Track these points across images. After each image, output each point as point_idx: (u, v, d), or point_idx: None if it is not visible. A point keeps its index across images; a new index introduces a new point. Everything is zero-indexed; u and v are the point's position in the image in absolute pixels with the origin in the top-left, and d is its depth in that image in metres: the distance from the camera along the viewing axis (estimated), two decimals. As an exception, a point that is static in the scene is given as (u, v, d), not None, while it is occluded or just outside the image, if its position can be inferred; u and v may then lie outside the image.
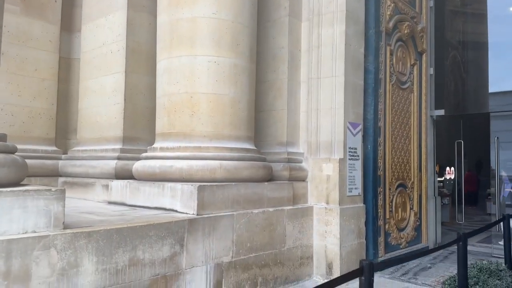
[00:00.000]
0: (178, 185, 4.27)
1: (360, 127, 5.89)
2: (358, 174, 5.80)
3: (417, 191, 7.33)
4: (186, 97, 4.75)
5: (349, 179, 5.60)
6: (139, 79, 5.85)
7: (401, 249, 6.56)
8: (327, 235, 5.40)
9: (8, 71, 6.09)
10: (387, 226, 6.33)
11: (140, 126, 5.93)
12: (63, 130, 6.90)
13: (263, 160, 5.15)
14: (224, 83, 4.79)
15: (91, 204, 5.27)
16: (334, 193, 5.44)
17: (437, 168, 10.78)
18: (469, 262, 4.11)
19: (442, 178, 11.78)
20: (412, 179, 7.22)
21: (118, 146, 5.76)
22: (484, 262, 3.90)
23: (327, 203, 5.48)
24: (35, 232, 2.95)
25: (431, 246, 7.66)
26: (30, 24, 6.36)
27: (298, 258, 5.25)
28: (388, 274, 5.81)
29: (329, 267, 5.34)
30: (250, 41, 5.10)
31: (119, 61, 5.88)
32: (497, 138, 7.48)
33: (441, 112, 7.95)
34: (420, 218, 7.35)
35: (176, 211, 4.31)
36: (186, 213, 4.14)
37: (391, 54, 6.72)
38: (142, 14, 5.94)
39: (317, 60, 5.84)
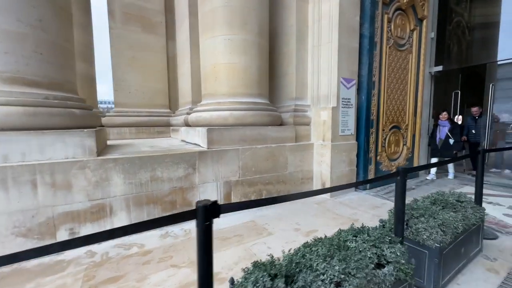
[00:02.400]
0: (200, 129, 3.39)
1: (354, 81, 4.17)
2: (351, 119, 4.17)
3: (411, 132, 5.25)
4: (211, 68, 3.72)
5: (342, 122, 4.06)
6: (197, 64, 4.87)
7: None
8: (322, 163, 4.07)
9: (139, 66, 5.89)
10: (378, 157, 4.63)
11: (200, 93, 5.15)
12: (175, 100, 6.64)
13: (271, 110, 3.90)
14: (236, 54, 3.60)
15: (171, 141, 4.71)
16: (328, 133, 4.00)
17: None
18: (435, 191, 2.55)
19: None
20: (407, 122, 5.14)
21: (189, 106, 5.17)
22: (445, 192, 2.28)
23: (323, 140, 4.08)
24: (74, 158, 2.52)
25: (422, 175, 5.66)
26: (147, 38, 5.97)
27: (299, 179, 4.08)
28: (374, 192, 4.27)
29: (323, 185, 4.09)
30: (258, 21, 3.72)
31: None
32: (492, 85, 4.84)
33: (439, 68, 5.44)
34: (412, 152, 5.35)
35: (199, 145, 3.52)
36: (202, 147, 3.31)
37: (389, 21, 4.53)
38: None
39: (318, 31, 4.16)
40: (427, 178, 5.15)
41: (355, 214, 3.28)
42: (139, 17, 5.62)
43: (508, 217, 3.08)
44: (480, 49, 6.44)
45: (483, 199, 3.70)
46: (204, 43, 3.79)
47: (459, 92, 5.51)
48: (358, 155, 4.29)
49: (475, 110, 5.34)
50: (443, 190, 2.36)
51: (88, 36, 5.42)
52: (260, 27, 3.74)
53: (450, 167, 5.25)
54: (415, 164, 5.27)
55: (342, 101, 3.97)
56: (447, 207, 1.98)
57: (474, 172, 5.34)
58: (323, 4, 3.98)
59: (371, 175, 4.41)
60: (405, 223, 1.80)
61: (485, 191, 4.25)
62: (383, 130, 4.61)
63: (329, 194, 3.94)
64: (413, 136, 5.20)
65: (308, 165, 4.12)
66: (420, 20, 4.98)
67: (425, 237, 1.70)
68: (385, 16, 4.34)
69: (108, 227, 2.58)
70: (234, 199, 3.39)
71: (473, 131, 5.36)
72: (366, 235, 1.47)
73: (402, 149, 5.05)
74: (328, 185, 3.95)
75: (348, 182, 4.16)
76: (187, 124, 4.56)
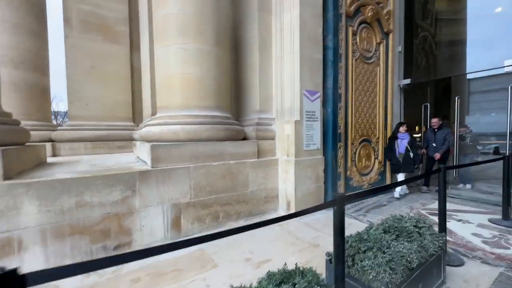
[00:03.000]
0: (147, 145, 3.09)
1: (319, 94, 4.01)
2: (316, 133, 3.97)
3: (382, 145, 5.16)
4: (165, 78, 3.43)
5: (306, 136, 3.85)
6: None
7: (364, 189, 4.67)
8: (287, 180, 3.80)
9: (99, 77, 5.52)
10: (348, 172, 4.43)
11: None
12: (140, 112, 6.24)
13: (230, 124, 3.65)
14: (191, 64, 3.34)
15: (127, 158, 4.27)
16: (292, 148, 3.78)
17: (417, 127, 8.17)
18: (397, 213, 2.32)
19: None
20: (377, 135, 5.04)
21: (148, 119, 4.82)
22: (403, 217, 2.04)
23: (287, 155, 3.86)
24: (-29, 182, 2.11)
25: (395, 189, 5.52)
26: (109, 47, 5.65)
27: (263, 198, 3.78)
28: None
29: (288, 204, 3.81)
30: (215, 30, 3.49)
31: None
32: (458, 98, 4.83)
33: (408, 80, 5.45)
34: (384, 165, 5.21)
35: (146, 162, 3.22)
36: (147, 165, 2.98)
37: (354, 34, 4.49)
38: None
39: (281, 42, 4.00)
40: (395, 196, 4.67)
41: (318, 237, 2.99)
42: (100, 25, 5.31)
43: (477, 237, 2.89)
44: (447, 63, 6.59)
45: (453, 216, 3.51)
46: (157, 52, 3.53)
47: (429, 105, 5.51)
48: (325, 171, 4.06)
49: (434, 121, 4.91)
50: (413, 205, 2.13)
51: (41, 44, 5.04)
52: (218, 36, 3.53)
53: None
54: (388, 179, 5.12)
55: (306, 114, 3.78)
56: (402, 235, 1.73)
57: (425, 188, 5.10)
58: (285, 15, 3.85)
59: (340, 191, 4.18)
60: (350, 258, 1.53)
61: (455, 206, 4.16)
62: (353, 143, 4.44)
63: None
64: (385, 149, 5.07)
65: (272, 183, 3.84)
66: (386, 34, 4.98)
67: (371, 277, 1.42)
68: (350, 29, 4.27)
69: (15, 266, 2.14)
70: (185, 223, 3.02)
71: (434, 144, 4.88)
72: (291, 284, 1.17)
73: (374, 163, 4.89)
74: (292, 204, 3.67)
75: (315, 200, 3.89)
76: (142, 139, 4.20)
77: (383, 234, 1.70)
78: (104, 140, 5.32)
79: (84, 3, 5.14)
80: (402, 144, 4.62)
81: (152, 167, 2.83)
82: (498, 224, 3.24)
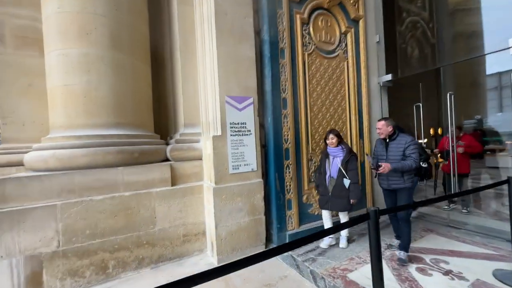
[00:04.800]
0: None
1: (250, 100, 3.12)
2: (250, 150, 3.05)
3: (358, 159, 4.14)
4: (50, 93, 2.82)
5: (233, 156, 2.94)
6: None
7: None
8: (209, 213, 2.99)
9: (39, 95, 5.13)
10: (305, 198, 3.46)
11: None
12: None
13: (139, 144, 2.99)
14: (74, 73, 2.68)
15: None
16: (211, 172, 2.98)
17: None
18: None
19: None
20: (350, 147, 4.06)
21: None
22: None
23: (211, 181, 3.06)
24: None
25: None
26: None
27: (180, 237, 2.93)
28: (290, 252, 3.09)
29: (212, 245, 2.96)
30: (109, 30, 2.87)
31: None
32: (450, 94, 3.68)
33: (389, 77, 4.40)
34: (363, 185, 4.14)
35: None
36: None
37: (305, 23, 3.60)
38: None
39: (201, 39, 3.26)
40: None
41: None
42: (38, 40, 4.95)
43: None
44: (452, 50, 5.36)
45: (441, 263, 2.49)
46: (46, 58, 2.93)
47: (421, 105, 4.38)
48: (267, 199, 3.16)
49: (379, 127, 2.72)
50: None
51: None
52: (115, 37, 2.86)
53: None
54: (369, 203, 4.04)
55: (232, 127, 2.94)
56: None
57: (396, 241, 2.91)
58: (204, 5, 3.11)
59: (293, 223, 3.23)
60: None
61: (450, 244, 2.85)
62: (311, 159, 3.49)
63: (216, 259, 2.78)
64: (362, 164, 4.03)
65: (194, 216, 3.02)
66: (355, 21, 4.03)
67: None
68: (297, 17, 3.41)
69: None
70: (50, 279, 2.29)
71: (384, 159, 2.69)
72: None
73: (345, 182, 3.86)
74: (215, 246, 2.80)
75: (250, 238, 2.99)
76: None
77: None
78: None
79: (19, 17, 4.81)
80: (334, 164, 2.90)
81: (-6, 209, 2.17)
82: (506, 283, 2.12)
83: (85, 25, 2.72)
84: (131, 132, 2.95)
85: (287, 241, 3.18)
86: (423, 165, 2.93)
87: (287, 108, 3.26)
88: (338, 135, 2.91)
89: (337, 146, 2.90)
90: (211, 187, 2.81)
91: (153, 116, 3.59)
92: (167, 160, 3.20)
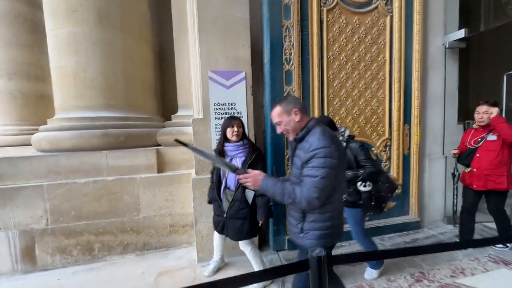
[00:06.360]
0: None
1: (241, 75, 2.50)
2: None
3: (400, 150, 3.02)
4: (53, 75, 2.96)
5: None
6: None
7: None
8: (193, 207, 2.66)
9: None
10: (314, 198, 2.80)
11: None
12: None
13: (128, 127, 2.82)
14: (65, 55, 2.65)
15: None
16: (193, 160, 2.58)
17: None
18: None
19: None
20: (387, 136, 2.98)
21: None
22: None
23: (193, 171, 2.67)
24: None
25: (428, 221, 3.23)
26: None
27: (167, 227, 2.75)
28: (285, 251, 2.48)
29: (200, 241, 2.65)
30: (97, 6, 2.67)
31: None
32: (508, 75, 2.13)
33: (461, 33, 2.94)
34: (407, 184, 3.06)
35: None
36: None
37: (325, -34, 2.69)
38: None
39: (191, 4, 2.77)
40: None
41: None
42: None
43: None
44: None
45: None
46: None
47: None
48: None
49: (275, 116, 1.33)
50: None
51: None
52: (103, 14, 2.69)
53: (254, 257, 2.01)
54: (412, 209, 3.04)
55: (217, 109, 2.46)
56: None
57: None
58: (191, -39, 2.58)
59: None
60: None
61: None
62: (326, 150, 2.74)
63: (196, 257, 2.50)
64: (405, 157, 3.00)
65: (182, 206, 2.78)
66: (408, -46, 2.81)
67: None
68: (312, -42, 2.54)
69: None
70: (42, 254, 2.45)
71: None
72: None
73: (378, 181, 2.95)
74: (195, 243, 2.51)
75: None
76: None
77: None
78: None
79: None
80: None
81: (-11, 186, 2.37)
82: None
83: (72, 1, 2.61)
84: (121, 114, 2.84)
85: (286, 247, 2.65)
86: (363, 188, 1.83)
87: (291, 84, 2.56)
88: (243, 124, 1.93)
89: (239, 140, 1.87)
90: (194, 179, 2.48)
91: (159, 98, 3.43)
92: (160, 145, 3.01)
